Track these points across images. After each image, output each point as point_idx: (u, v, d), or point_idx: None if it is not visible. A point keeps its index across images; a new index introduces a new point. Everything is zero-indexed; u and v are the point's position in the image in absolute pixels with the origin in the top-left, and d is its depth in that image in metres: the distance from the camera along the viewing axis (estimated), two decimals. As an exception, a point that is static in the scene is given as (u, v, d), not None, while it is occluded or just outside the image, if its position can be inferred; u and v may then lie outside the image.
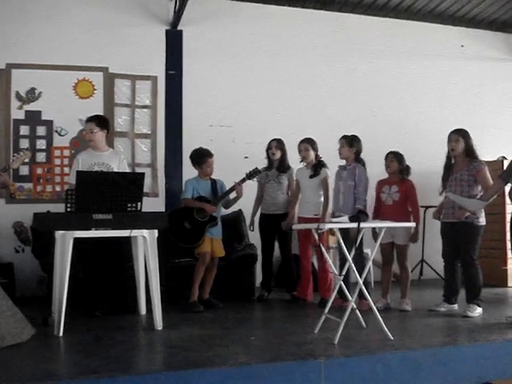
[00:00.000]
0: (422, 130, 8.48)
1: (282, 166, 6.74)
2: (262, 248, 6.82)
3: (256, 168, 6.40)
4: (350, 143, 6.13)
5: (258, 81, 8.07)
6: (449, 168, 5.95)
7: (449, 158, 5.99)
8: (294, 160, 6.74)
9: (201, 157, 6.36)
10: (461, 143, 5.82)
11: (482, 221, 5.72)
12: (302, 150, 6.51)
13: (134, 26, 7.64)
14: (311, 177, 6.44)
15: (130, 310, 5.77)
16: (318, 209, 6.36)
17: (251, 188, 6.74)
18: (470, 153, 5.82)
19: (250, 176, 6.35)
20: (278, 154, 6.72)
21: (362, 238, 5.03)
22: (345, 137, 6.18)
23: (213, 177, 6.44)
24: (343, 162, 6.26)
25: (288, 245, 6.74)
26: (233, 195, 6.38)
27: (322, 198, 6.39)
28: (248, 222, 7.02)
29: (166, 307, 5.15)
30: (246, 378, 3.79)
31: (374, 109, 8.47)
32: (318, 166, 6.45)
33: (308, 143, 6.50)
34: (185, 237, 6.14)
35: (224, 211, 6.61)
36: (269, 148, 6.75)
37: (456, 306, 5.93)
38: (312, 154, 6.50)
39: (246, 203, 6.80)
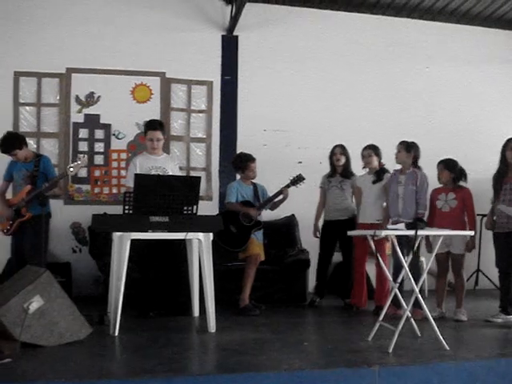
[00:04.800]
0: (478, 137, 8.32)
1: (346, 172, 6.67)
2: (321, 254, 6.72)
3: (299, 175, 6.37)
4: (407, 148, 6.03)
5: (313, 86, 8.08)
6: (502, 176, 5.84)
7: (502, 165, 5.88)
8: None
9: (243, 162, 6.38)
10: None
11: None
12: (365, 156, 6.46)
13: (190, 31, 7.75)
14: (374, 182, 6.37)
15: (183, 312, 5.83)
16: (380, 214, 6.29)
17: (304, 193, 6.70)
18: None
19: (293, 182, 6.34)
20: (342, 160, 6.66)
21: (419, 245, 4.96)
22: (402, 142, 6.09)
23: (255, 181, 6.47)
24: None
25: (351, 251, 6.57)
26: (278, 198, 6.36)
27: (385, 204, 6.31)
28: (300, 226, 6.99)
29: (218, 310, 5.17)
30: (300, 384, 3.78)
31: (430, 114, 8.37)
32: (381, 172, 6.39)
33: (372, 149, 6.44)
34: (231, 241, 6.15)
35: (276, 216, 6.60)
36: (333, 154, 6.70)
37: (514, 318, 5.80)
38: (375, 160, 6.43)
39: (300, 208, 6.78)
